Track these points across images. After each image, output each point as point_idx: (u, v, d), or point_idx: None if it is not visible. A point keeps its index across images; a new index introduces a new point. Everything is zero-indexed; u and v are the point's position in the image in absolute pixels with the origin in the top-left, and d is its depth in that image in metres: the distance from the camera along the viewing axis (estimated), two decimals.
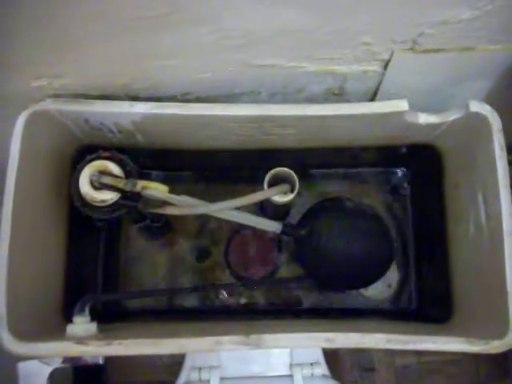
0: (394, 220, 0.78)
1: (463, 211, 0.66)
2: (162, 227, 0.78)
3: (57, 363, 0.59)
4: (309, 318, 0.79)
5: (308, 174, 0.84)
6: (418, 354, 1.17)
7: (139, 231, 0.80)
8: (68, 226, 0.69)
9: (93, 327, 0.59)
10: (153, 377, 1.14)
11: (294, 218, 0.78)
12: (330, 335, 0.55)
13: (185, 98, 0.66)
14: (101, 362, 0.61)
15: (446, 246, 0.70)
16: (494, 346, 0.54)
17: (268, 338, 0.55)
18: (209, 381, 0.78)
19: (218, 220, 0.81)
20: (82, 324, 0.58)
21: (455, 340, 0.55)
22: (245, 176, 0.82)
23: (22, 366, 0.59)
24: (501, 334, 0.54)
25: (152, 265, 0.82)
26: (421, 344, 0.55)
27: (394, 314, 0.80)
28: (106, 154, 0.61)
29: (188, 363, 0.83)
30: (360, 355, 1.17)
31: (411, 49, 0.59)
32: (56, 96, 0.62)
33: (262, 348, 0.55)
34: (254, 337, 0.54)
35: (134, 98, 0.64)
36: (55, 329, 0.62)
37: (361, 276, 0.70)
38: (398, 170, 0.84)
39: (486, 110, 0.59)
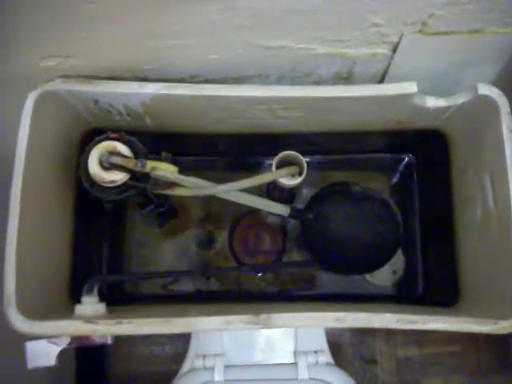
0: (400, 205, 0.78)
1: (471, 195, 0.66)
2: (167, 213, 0.78)
3: (65, 343, 0.59)
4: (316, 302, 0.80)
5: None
6: (420, 345, 1.17)
7: (144, 216, 0.80)
8: (75, 209, 0.69)
9: (101, 308, 0.59)
10: (155, 368, 1.14)
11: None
12: (340, 315, 0.55)
13: (193, 81, 0.66)
14: (109, 341, 0.61)
15: (453, 230, 0.70)
16: (503, 326, 0.54)
17: (277, 317, 0.55)
18: (213, 368, 0.78)
19: (223, 206, 0.81)
20: (90, 304, 0.58)
21: (464, 320, 0.55)
22: (252, 162, 0.82)
23: (30, 346, 0.58)
24: (509, 315, 0.54)
25: (157, 250, 0.82)
26: (430, 324, 0.55)
27: (400, 299, 0.80)
28: (115, 135, 0.61)
29: (192, 351, 0.83)
30: (362, 347, 1.17)
31: (420, 31, 0.59)
32: (65, 77, 0.62)
33: (271, 327, 0.55)
34: (263, 316, 0.54)
35: (143, 81, 0.64)
36: (63, 310, 0.62)
37: (367, 260, 0.70)
38: (405, 156, 0.84)
39: (494, 92, 0.60)
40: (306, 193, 0.81)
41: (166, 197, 0.73)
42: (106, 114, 0.65)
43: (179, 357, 0.84)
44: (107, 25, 0.55)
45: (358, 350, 1.17)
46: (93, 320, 0.54)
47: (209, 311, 0.67)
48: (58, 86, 0.60)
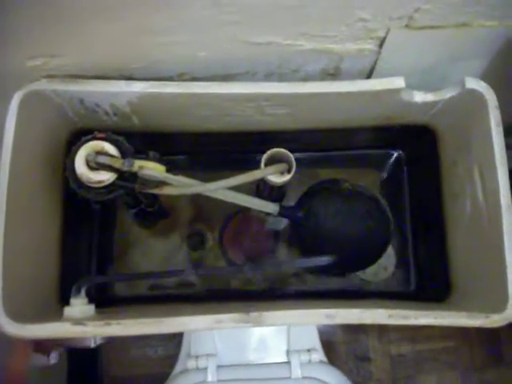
0: (390, 202, 0.78)
1: (460, 189, 0.66)
2: (156, 213, 0.78)
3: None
4: (306, 300, 0.79)
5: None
6: (413, 342, 1.17)
7: (134, 217, 0.80)
8: (63, 210, 0.68)
9: (90, 309, 0.59)
10: (148, 370, 1.13)
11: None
12: (331, 311, 0.54)
13: (181, 79, 0.66)
14: (92, 345, 0.60)
15: (443, 224, 0.70)
16: (494, 320, 0.54)
17: (268, 315, 0.54)
18: (206, 369, 0.78)
19: (213, 206, 0.81)
20: (79, 306, 0.58)
21: (456, 314, 0.55)
22: (241, 161, 0.81)
23: None
24: (500, 308, 0.54)
25: (147, 251, 0.82)
26: (422, 319, 0.55)
27: (392, 295, 0.80)
28: (102, 134, 0.60)
29: (184, 352, 0.83)
30: (355, 344, 1.17)
31: (407, 26, 0.59)
32: (51, 77, 0.61)
33: (262, 325, 0.55)
34: (254, 314, 0.54)
35: (129, 80, 0.63)
36: (51, 312, 0.61)
37: (359, 258, 0.70)
38: (394, 152, 0.84)
39: (481, 86, 0.60)
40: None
41: (155, 197, 0.73)
42: (92, 113, 0.65)
43: (172, 359, 0.84)
44: (93, 23, 0.54)
45: (351, 348, 1.17)
46: (82, 322, 0.54)
47: (199, 311, 0.67)
48: (43, 85, 0.59)
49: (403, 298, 0.79)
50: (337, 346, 1.16)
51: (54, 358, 0.59)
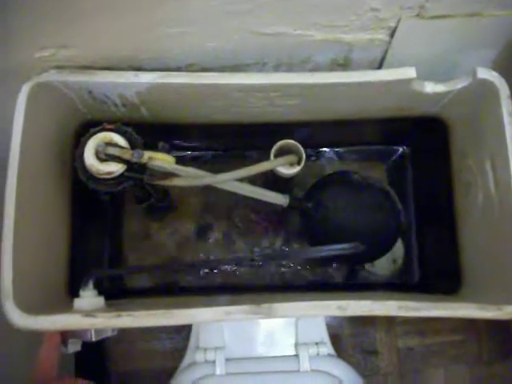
0: (399, 194, 0.78)
1: (471, 180, 0.65)
2: (165, 206, 0.78)
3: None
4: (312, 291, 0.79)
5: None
6: (421, 335, 1.17)
7: (143, 210, 0.80)
8: (72, 202, 0.68)
9: (100, 301, 0.58)
10: (155, 363, 1.13)
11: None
12: (342, 303, 0.54)
13: (189, 70, 0.65)
14: (93, 339, 0.60)
15: (454, 216, 0.70)
16: (507, 312, 0.54)
17: (279, 306, 0.54)
18: (214, 361, 0.78)
19: (221, 198, 0.81)
20: (89, 298, 0.57)
21: (468, 306, 0.55)
22: (249, 152, 0.81)
23: None
24: None
25: (155, 242, 0.82)
26: (433, 310, 0.54)
27: (400, 287, 0.80)
28: (111, 125, 0.60)
29: (192, 344, 0.83)
30: (362, 338, 1.17)
31: (418, 15, 0.58)
32: (59, 68, 0.61)
33: (272, 317, 0.54)
34: (264, 306, 0.54)
35: (138, 71, 0.63)
36: (60, 304, 0.62)
37: (369, 250, 0.69)
38: (403, 143, 0.83)
39: (493, 76, 0.59)
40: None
41: (166, 191, 0.72)
42: (101, 105, 0.65)
43: (179, 352, 0.84)
44: (103, 14, 0.54)
45: (358, 341, 1.16)
46: (92, 313, 0.53)
47: (209, 301, 0.67)
48: (52, 76, 0.59)
49: (411, 290, 0.79)
50: (344, 339, 1.16)
51: (72, 347, 0.59)
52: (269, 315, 0.54)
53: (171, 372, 0.80)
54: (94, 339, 0.60)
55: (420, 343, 1.16)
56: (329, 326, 0.83)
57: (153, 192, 0.68)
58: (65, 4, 0.52)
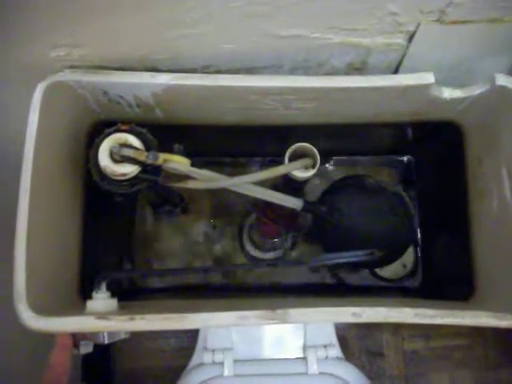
0: (411, 200, 0.78)
1: (486, 187, 0.65)
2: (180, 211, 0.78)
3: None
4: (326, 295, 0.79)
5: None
6: (427, 338, 1.16)
7: (155, 212, 0.79)
8: (84, 203, 0.68)
9: (113, 303, 0.58)
10: (161, 362, 1.13)
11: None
12: (357, 309, 0.54)
13: (205, 72, 0.65)
14: (106, 342, 0.60)
15: (468, 223, 0.69)
16: None
17: (294, 312, 0.53)
18: (222, 363, 0.78)
19: (234, 201, 0.80)
20: (102, 300, 0.57)
21: (482, 314, 0.54)
22: (264, 155, 0.81)
23: None
24: None
25: (167, 244, 0.81)
26: (448, 318, 0.54)
27: (410, 292, 0.80)
28: (126, 126, 0.60)
29: (200, 345, 0.83)
30: (368, 340, 1.16)
31: (438, 20, 0.58)
32: (74, 68, 0.60)
33: (287, 323, 0.54)
34: (280, 311, 0.53)
35: (153, 71, 0.62)
36: (73, 306, 0.61)
37: (382, 255, 0.69)
38: (418, 148, 0.83)
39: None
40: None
41: (182, 196, 0.72)
42: (115, 105, 0.64)
43: (186, 351, 0.83)
44: (118, 14, 0.53)
45: (364, 344, 1.16)
46: (105, 316, 0.53)
47: (220, 306, 0.66)
48: (67, 76, 0.59)
49: (416, 295, 0.78)
50: (350, 341, 1.16)
51: (83, 349, 0.59)
52: (284, 321, 0.53)
53: (177, 370, 0.80)
54: (106, 341, 0.59)
55: (426, 346, 1.16)
56: (335, 328, 0.83)
57: (168, 196, 0.68)
58: (79, 2, 0.52)
